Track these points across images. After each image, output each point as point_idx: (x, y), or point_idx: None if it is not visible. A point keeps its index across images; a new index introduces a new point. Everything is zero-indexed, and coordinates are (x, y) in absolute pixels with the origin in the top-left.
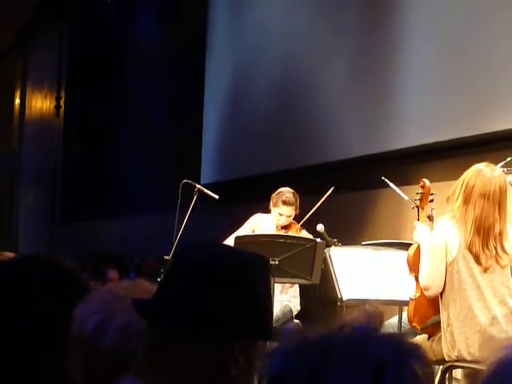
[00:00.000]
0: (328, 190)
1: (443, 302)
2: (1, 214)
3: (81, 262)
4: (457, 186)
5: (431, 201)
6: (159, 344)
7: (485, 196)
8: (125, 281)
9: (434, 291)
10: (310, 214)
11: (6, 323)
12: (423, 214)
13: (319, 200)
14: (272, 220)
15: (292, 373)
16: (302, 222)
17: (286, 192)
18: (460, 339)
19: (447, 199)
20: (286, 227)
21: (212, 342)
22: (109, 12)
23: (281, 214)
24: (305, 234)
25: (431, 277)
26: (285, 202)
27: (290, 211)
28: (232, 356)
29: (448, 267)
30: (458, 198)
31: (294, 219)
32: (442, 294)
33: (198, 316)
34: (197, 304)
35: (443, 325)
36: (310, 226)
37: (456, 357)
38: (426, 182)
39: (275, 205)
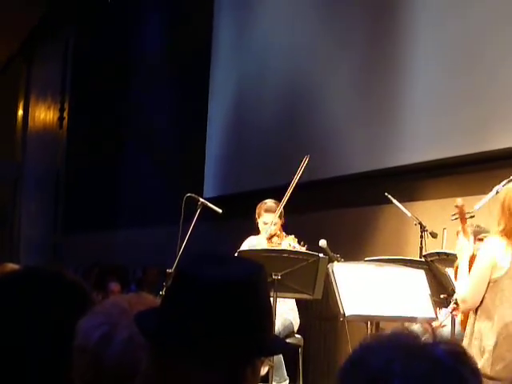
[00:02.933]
0: (306, 163)
1: (479, 316)
2: (3, 224)
3: (83, 273)
4: (504, 219)
5: (472, 216)
6: (163, 363)
7: None
8: (128, 294)
9: (470, 305)
10: (289, 190)
11: (10, 335)
12: (466, 229)
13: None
14: (263, 238)
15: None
16: (280, 224)
17: (268, 201)
18: (488, 356)
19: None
20: (273, 236)
21: (220, 363)
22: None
23: (265, 223)
24: (290, 237)
25: (472, 292)
26: (267, 210)
27: (273, 218)
28: (242, 375)
29: (493, 283)
30: (506, 224)
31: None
32: (478, 307)
33: (201, 338)
34: (201, 326)
35: (471, 337)
36: (312, 242)
37: None
38: (458, 201)
39: (259, 215)
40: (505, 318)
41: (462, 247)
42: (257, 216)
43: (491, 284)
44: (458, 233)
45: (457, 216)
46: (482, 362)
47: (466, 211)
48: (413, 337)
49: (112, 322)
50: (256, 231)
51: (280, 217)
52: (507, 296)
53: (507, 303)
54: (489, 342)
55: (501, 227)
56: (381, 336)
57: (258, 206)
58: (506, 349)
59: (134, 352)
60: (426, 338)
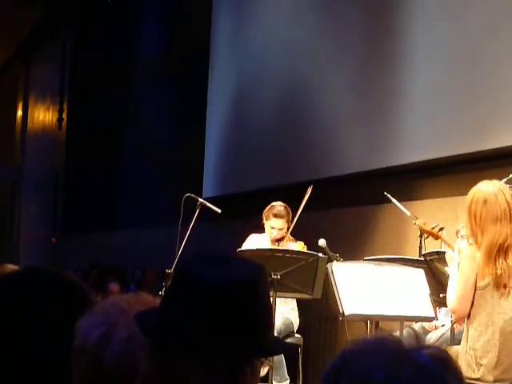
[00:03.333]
0: (310, 193)
1: (471, 322)
2: (2, 226)
3: (82, 274)
4: (470, 224)
5: (441, 229)
6: (163, 363)
7: (496, 220)
8: (127, 294)
9: (460, 314)
10: (295, 218)
11: (10, 335)
12: (445, 240)
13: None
14: (266, 237)
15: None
16: (288, 232)
17: (278, 205)
18: (489, 363)
19: (468, 238)
20: (279, 240)
21: (219, 363)
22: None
23: (273, 227)
24: (300, 244)
25: (459, 302)
26: (276, 215)
27: (281, 224)
28: (241, 376)
29: (481, 291)
30: (476, 235)
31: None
32: (469, 314)
33: (201, 338)
34: (201, 326)
35: (466, 345)
36: (311, 241)
37: (478, 378)
38: (418, 223)
39: (267, 218)
40: (498, 324)
41: (449, 258)
42: (264, 218)
43: (479, 291)
44: (457, 232)
45: (427, 235)
46: (482, 370)
47: (432, 226)
48: (396, 342)
49: (111, 322)
50: (256, 230)
51: (288, 222)
52: (497, 302)
53: (499, 309)
54: (485, 349)
55: (468, 233)
56: (364, 342)
57: (267, 208)
58: (503, 353)
59: (133, 352)
60: (409, 342)
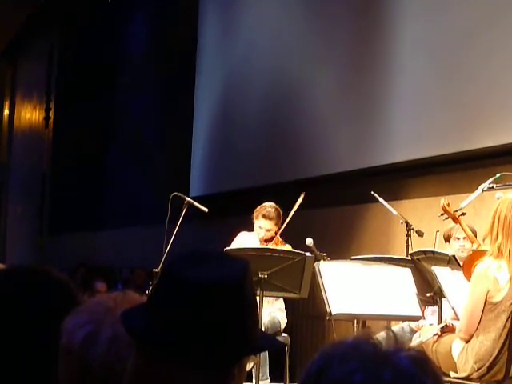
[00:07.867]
0: (302, 199)
1: (476, 334)
2: None
3: (69, 274)
4: (493, 224)
5: (463, 214)
6: (149, 364)
7: None
8: (114, 293)
9: (466, 336)
10: (285, 222)
11: None
12: (465, 227)
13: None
14: (255, 236)
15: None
16: (279, 232)
17: (269, 206)
18: (487, 367)
19: (483, 239)
20: (268, 241)
21: (207, 363)
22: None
23: (260, 227)
24: (288, 247)
25: (466, 325)
26: (265, 216)
27: (268, 225)
28: (229, 375)
29: (493, 305)
30: (497, 235)
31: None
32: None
33: (189, 339)
34: (187, 326)
35: (471, 356)
36: (298, 240)
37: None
38: (442, 203)
39: (256, 217)
40: (504, 336)
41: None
42: (254, 217)
43: (491, 306)
44: (448, 235)
45: (446, 216)
46: (479, 373)
47: (455, 209)
48: (374, 345)
49: (97, 321)
50: (243, 229)
51: (277, 224)
52: (508, 317)
53: (509, 323)
54: (487, 358)
55: (498, 241)
56: (341, 345)
57: (258, 208)
58: (500, 357)
59: (119, 351)
60: (388, 344)
